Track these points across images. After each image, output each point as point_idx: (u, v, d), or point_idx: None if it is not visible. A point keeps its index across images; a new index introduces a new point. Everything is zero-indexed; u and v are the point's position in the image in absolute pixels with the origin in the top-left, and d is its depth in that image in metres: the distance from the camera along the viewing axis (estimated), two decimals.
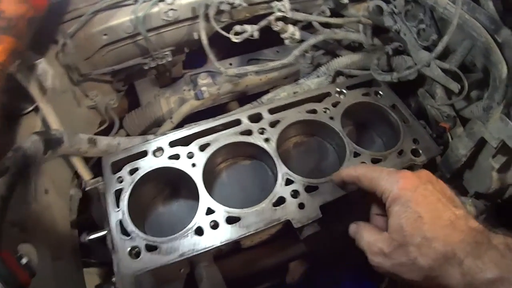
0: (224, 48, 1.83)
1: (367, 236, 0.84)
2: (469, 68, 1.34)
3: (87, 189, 1.10)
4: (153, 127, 1.60)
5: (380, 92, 1.29)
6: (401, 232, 0.75)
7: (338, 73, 1.41)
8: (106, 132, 1.47)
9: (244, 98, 1.69)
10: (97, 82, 1.56)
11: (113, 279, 0.99)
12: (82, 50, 1.40)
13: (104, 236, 1.13)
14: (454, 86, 1.27)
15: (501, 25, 1.10)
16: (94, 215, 1.39)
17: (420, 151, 1.16)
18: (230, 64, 1.69)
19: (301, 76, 1.56)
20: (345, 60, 1.46)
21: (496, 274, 0.65)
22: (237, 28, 1.32)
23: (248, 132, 1.13)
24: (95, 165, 1.27)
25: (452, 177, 1.26)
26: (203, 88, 1.50)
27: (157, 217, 1.12)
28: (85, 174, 1.18)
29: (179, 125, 1.48)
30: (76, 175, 1.37)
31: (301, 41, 1.46)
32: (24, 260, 0.83)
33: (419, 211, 0.74)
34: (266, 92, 1.66)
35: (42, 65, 1.13)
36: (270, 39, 1.73)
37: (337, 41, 1.63)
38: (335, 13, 1.55)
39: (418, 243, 0.72)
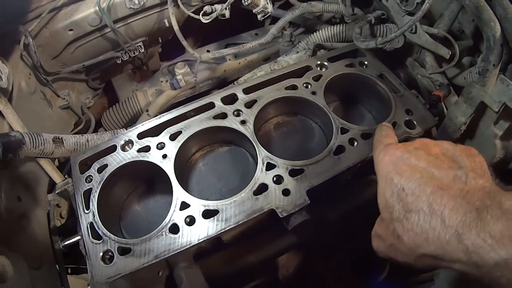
0: (201, 36, 1.75)
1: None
2: (457, 36, 1.27)
3: (56, 192, 1.03)
4: (133, 122, 1.53)
5: (365, 62, 1.20)
6: (387, 208, 0.68)
7: (319, 47, 1.32)
8: (83, 133, 1.40)
9: (224, 85, 1.61)
10: (70, 81, 1.50)
11: (88, 287, 0.93)
12: (48, 48, 1.34)
13: (77, 242, 1.07)
14: (445, 52, 1.19)
15: None
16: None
17: (415, 122, 1.07)
18: (208, 51, 1.60)
19: (281, 56, 1.48)
20: (325, 33, 1.36)
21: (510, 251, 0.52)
22: (207, 8, 1.24)
23: (223, 116, 1.04)
24: None
25: None
26: (179, 77, 1.42)
27: (133, 216, 1.04)
28: (56, 176, 1.11)
29: None
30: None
31: (278, 20, 1.38)
32: None
33: (402, 183, 0.66)
34: None
35: None
36: (250, 23, 1.66)
37: (317, 17, 1.54)
38: None
39: (401, 218, 0.64)
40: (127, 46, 1.41)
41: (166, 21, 1.40)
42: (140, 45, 1.44)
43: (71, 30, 1.33)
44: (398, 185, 0.66)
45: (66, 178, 1.13)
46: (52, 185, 1.30)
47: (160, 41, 1.58)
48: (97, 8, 1.29)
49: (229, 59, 1.52)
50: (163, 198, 1.05)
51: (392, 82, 1.18)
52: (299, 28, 1.57)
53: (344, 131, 1.03)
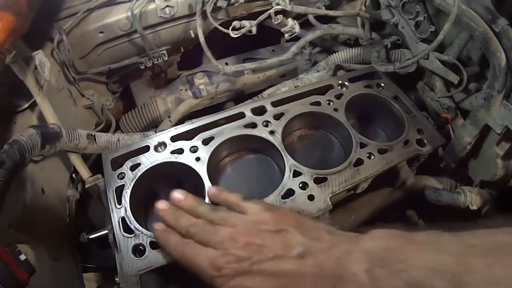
0: (219, 48, 1.82)
1: None
2: (464, 62, 1.35)
3: (86, 186, 1.06)
4: (150, 127, 1.56)
5: (382, 84, 1.29)
6: None
7: (338, 67, 1.40)
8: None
9: (241, 97, 1.67)
10: (92, 82, 1.53)
11: (116, 279, 0.95)
12: (77, 48, 1.37)
13: (104, 236, 1.10)
14: (453, 78, 1.27)
15: (497, 16, 1.11)
16: (92, 217, 1.36)
17: (425, 141, 1.15)
18: (226, 63, 1.67)
19: (299, 73, 1.55)
20: (344, 54, 1.45)
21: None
22: (236, 23, 1.30)
23: (253, 125, 1.11)
24: (92, 166, 1.23)
25: (457, 166, 1.26)
26: (201, 87, 1.47)
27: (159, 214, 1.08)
28: (84, 172, 1.14)
29: (177, 124, 1.45)
30: (73, 176, 1.34)
31: (298, 38, 1.46)
32: (22, 257, 0.79)
33: None
34: (263, 91, 1.66)
35: (40, 56, 1.09)
36: (265, 39, 1.73)
37: (334, 37, 1.62)
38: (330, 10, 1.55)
39: None
40: (152, 53, 1.46)
41: (191, 32, 1.46)
42: (164, 53, 1.49)
43: (101, 32, 1.37)
44: None
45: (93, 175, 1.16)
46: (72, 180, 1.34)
47: (182, 50, 1.63)
48: (129, 13, 1.34)
49: (247, 73, 1.59)
50: None
51: (406, 104, 1.26)
52: (316, 47, 1.65)
53: (362, 145, 1.11)
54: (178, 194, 0.87)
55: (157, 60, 1.50)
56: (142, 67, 1.50)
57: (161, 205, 0.86)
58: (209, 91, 1.49)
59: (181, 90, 1.59)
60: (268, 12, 1.23)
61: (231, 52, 1.78)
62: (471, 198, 1.16)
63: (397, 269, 0.55)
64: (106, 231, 1.05)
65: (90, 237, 1.11)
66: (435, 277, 0.52)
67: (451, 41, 1.32)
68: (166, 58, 1.50)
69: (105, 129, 1.48)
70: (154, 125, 1.55)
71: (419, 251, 0.56)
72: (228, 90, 1.57)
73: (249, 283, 0.65)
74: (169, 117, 1.43)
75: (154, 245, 0.89)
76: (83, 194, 1.33)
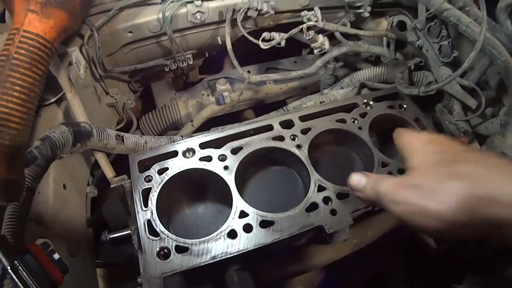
0: (238, 55, 1.83)
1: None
2: (482, 86, 1.39)
3: (112, 186, 1.07)
4: (170, 129, 1.58)
5: (404, 105, 1.31)
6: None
7: (362, 85, 1.42)
8: (124, 132, 1.44)
9: (261, 106, 1.69)
10: (116, 81, 1.54)
11: (139, 279, 0.97)
12: (105, 46, 1.38)
13: (125, 236, 1.11)
14: (472, 102, 1.31)
15: None
16: (106, 215, 1.37)
17: None
18: (249, 71, 1.69)
19: (322, 87, 1.57)
20: (368, 72, 1.48)
21: None
22: (265, 34, 1.32)
23: (280, 138, 1.12)
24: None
25: None
26: (225, 93, 1.49)
27: (182, 219, 1.10)
28: (109, 171, 1.16)
29: (199, 129, 1.47)
30: (92, 174, 1.35)
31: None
32: (56, 256, 0.79)
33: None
34: (283, 101, 1.68)
35: (76, 53, 1.10)
36: (285, 49, 1.75)
37: (356, 54, 1.65)
38: (355, 26, 1.57)
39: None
40: (178, 56, 1.48)
41: (219, 38, 1.48)
42: (189, 57, 1.51)
43: (130, 32, 1.38)
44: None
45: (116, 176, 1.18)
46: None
47: (207, 55, 1.65)
48: (160, 15, 1.35)
49: (269, 83, 1.61)
50: (212, 206, 1.12)
51: (426, 126, 1.29)
52: (339, 62, 1.68)
53: (384, 165, 1.14)
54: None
55: (182, 64, 1.51)
56: (166, 69, 1.51)
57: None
58: (232, 98, 1.51)
59: (203, 94, 1.61)
60: (300, 27, 1.25)
61: (250, 59, 1.80)
62: None
63: None
64: (129, 232, 1.07)
65: (111, 236, 1.12)
66: None
67: (472, 66, 1.35)
68: (191, 62, 1.52)
69: (126, 128, 1.49)
70: (174, 127, 1.57)
71: None
72: (250, 99, 1.59)
73: None
74: (191, 121, 1.44)
75: (179, 249, 0.91)
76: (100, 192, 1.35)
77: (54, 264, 0.77)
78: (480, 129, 1.38)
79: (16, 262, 0.69)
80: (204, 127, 1.52)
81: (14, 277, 0.68)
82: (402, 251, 1.46)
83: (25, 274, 0.69)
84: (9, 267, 0.69)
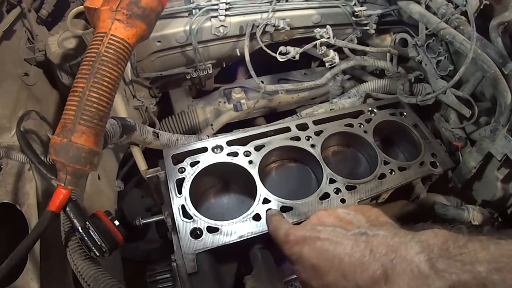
0: (253, 67, 1.98)
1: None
2: (478, 98, 1.56)
3: (147, 176, 1.20)
4: (188, 133, 1.71)
5: (404, 113, 1.46)
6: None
7: (368, 95, 1.58)
8: None
9: (272, 114, 1.83)
10: (140, 85, 1.68)
11: (172, 256, 1.09)
12: (135, 53, 1.51)
13: (157, 221, 1.23)
14: (466, 112, 1.46)
15: (508, 60, 1.31)
16: (125, 210, 1.49)
17: (438, 164, 1.33)
18: (262, 81, 1.83)
19: (330, 97, 1.73)
20: (373, 84, 1.64)
21: None
22: (282, 48, 1.47)
23: (297, 138, 1.27)
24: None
25: (463, 187, 1.45)
26: (242, 101, 1.63)
27: (208, 207, 1.23)
28: (142, 164, 1.28)
29: (219, 132, 1.61)
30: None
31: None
32: (116, 222, 0.91)
33: (313, 262, 0.69)
34: (293, 110, 1.83)
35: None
36: (295, 61, 1.91)
37: (362, 67, 1.81)
38: (361, 42, 1.74)
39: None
40: (199, 65, 1.62)
41: (238, 50, 1.63)
42: (209, 66, 1.65)
43: (159, 41, 1.53)
44: (309, 266, 0.70)
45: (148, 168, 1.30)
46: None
47: (224, 65, 1.79)
48: (187, 28, 1.50)
49: (281, 93, 1.76)
50: (235, 196, 1.26)
51: (423, 131, 1.44)
52: (346, 74, 1.84)
53: (386, 163, 1.28)
54: None
55: (202, 72, 1.66)
56: (188, 77, 1.66)
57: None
58: (248, 106, 1.65)
59: (219, 102, 1.75)
60: (314, 42, 1.40)
61: (262, 70, 1.94)
62: (474, 215, 1.32)
63: (462, 261, 0.52)
64: (159, 217, 1.20)
65: (144, 221, 1.24)
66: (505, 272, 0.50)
67: (467, 79, 1.52)
68: (211, 71, 1.66)
69: None
70: (192, 132, 1.70)
71: (482, 247, 0.53)
72: (264, 107, 1.73)
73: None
74: (211, 125, 1.58)
75: (210, 229, 1.04)
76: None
77: (116, 227, 0.90)
78: (474, 135, 1.53)
79: (87, 222, 0.83)
80: (222, 131, 1.66)
81: (84, 235, 0.82)
82: None
83: (95, 233, 0.82)
84: (80, 227, 0.82)
